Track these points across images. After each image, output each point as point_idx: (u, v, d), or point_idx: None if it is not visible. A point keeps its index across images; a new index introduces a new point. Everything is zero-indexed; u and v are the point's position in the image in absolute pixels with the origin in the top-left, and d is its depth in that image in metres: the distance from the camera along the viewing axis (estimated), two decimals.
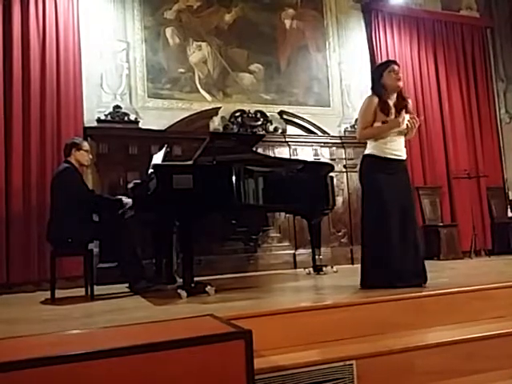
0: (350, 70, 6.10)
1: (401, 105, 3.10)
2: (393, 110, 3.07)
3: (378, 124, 3.06)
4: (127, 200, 3.65)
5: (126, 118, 4.93)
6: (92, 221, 3.69)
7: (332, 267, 4.48)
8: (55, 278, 3.49)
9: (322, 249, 4.72)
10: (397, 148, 3.08)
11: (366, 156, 3.16)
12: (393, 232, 2.95)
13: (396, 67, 3.08)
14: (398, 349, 2.23)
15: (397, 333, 2.42)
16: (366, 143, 3.23)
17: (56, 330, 2.08)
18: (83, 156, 3.74)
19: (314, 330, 2.32)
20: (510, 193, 6.53)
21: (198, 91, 5.36)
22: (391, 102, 3.09)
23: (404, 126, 3.03)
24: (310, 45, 5.96)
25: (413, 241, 3.00)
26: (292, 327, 2.30)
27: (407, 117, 3.10)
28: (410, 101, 3.20)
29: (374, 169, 3.06)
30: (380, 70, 3.13)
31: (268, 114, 5.53)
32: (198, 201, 3.13)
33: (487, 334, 2.41)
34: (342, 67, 6.07)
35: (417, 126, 3.07)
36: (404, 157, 3.14)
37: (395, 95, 3.12)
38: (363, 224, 3.16)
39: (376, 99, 3.07)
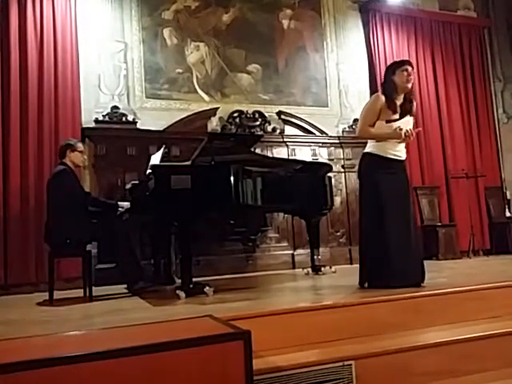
0: (348, 71, 6.10)
1: (406, 108, 3.10)
2: (398, 110, 3.07)
3: (382, 122, 3.04)
4: (123, 203, 3.65)
5: (123, 119, 4.92)
6: (90, 222, 3.68)
7: (331, 267, 4.48)
8: (53, 279, 3.47)
9: (321, 249, 4.72)
10: (398, 148, 3.08)
11: (366, 154, 3.15)
12: (391, 232, 2.95)
13: (410, 68, 3.07)
14: (396, 349, 2.24)
15: (395, 333, 2.43)
16: (364, 142, 3.24)
17: (54, 332, 2.08)
18: (78, 157, 3.73)
19: (313, 331, 2.33)
20: (507, 192, 6.54)
21: (196, 92, 5.36)
22: (398, 103, 3.09)
23: (403, 136, 3.01)
24: (307, 45, 5.96)
25: (411, 240, 3.00)
26: (291, 328, 2.30)
27: (411, 120, 3.11)
28: (414, 103, 3.19)
29: (374, 167, 3.06)
30: (393, 68, 3.12)
31: (266, 115, 5.53)
32: (196, 201, 3.13)
33: (483, 334, 2.42)
34: (340, 67, 6.08)
35: (411, 139, 3.06)
36: (404, 157, 3.15)
37: (402, 97, 3.11)
38: (361, 223, 3.17)
39: (383, 98, 3.06)
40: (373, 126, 3.07)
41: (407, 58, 5.95)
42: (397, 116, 3.04)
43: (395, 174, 3.05)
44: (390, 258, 2.93)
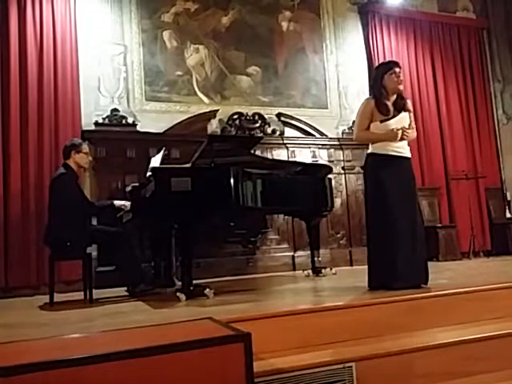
0: (348, 72, 6.11)
1: (400, 104, 3.11)
2: (391, 109, 3.08)
3: (376, 123, 3.06)
4: (120, 202, 3.61)
5: (123, 121, 4.93)
6: (90, 224, 3.68)
7: (331, 269, 4.47)
8: (54, 281, 3.48)
9: (321, 251, 4.73)
10: (399, 145, 3.07)
11: (369, 155, 3.16)
12: (396, 232, 2.93)
13: (397, 70, 3.08)
14: (398, 351, 2.23)
15: (396, 334, 2.42)
16: (364, 144, 3.24)
17: (55, 334, 2.07)
18: (82, 159, 3.70)
19: (314, 333, 2.32)
20: (508, 193, 6.54)
21: (196, 94, 5.37)
22: (390, 102, 3.10)
23: (399, 136, 3.01)
24: (307, 47, 5.97)
25: (416, 240, 2.98)
26: (291, 330, 2.30)
27: (407, 115, 3.11)
28: (408, 100, 3.20)
29: (378, 167, 3.05)
30: (381, 72, 3.12)
31: (266, 117, 5.54)
32: (196, 203, 3.13)
33: (485, 335, 2.41)
34: (340, 69, 6.09)
35: (411, 136, 3.06)
36: (408, 154, 3.12)
37: (395, 96, 3.13)
38: (367, 224, 3.16)
39: (372, 102, 3.08)
40: (368, 128, 3.09)
41: (403, 59, 6.03)
42: (390, 114, 3.05)
43: (400, 172, 3.03)
44: (393, 258, 2.91)
